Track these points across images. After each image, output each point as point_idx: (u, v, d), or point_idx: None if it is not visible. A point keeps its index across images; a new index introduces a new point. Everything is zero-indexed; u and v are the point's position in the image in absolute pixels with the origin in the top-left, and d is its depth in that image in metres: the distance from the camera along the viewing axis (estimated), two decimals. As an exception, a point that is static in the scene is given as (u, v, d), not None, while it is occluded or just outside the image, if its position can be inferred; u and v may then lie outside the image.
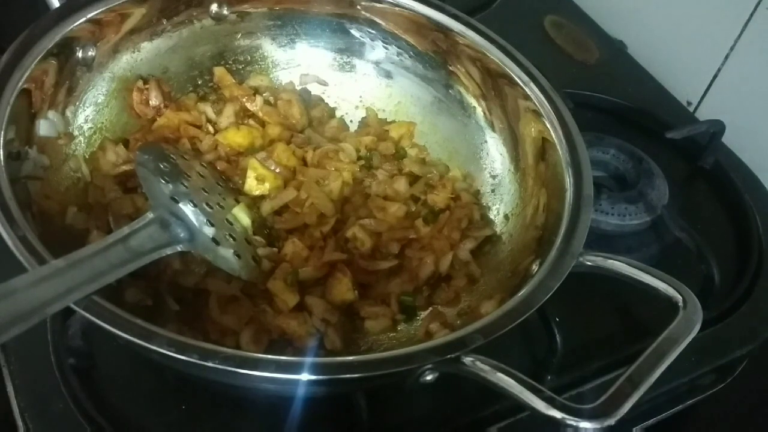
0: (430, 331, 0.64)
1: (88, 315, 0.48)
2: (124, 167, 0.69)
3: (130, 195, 0.67)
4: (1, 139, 0.56)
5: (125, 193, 0.68)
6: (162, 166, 0.64)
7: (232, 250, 0.63)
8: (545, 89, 0.70)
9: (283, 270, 0.65)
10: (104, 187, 0.67)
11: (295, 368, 0.48)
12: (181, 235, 0.59)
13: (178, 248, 0.59)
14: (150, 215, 0.58)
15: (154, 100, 0.74)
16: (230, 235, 0.64)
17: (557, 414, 0.48)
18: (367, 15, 0.79)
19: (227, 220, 0.66)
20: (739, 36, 0.90)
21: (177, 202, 0.61)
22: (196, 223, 0.62)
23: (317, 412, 0.59)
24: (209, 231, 0.62)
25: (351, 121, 0.83)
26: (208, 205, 0.64)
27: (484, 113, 0.77)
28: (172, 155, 0.67)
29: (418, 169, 0.77)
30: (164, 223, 0.58)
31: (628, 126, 0.92)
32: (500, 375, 0.50)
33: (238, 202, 0.69)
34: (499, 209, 0.74)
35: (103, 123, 0.71)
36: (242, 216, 0.67)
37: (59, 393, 0.59)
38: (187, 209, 0.62)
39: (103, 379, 0.61)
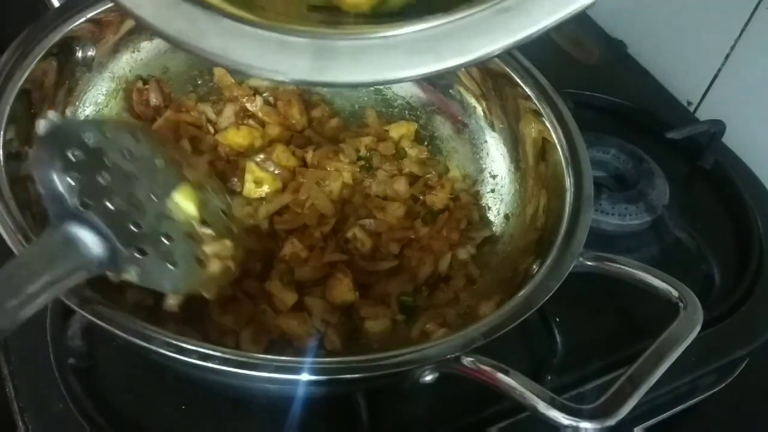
0: (429, 332, 0.64)
1: (88, 315, 0.48)
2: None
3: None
4: (1, 138, 0.57)
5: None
6: (70, 157, 0.48)
7: (165, 262, 0.50)
8: (545, 89, 0.70)
9: (278, 270, 0.65)
10: (104, 187, 0.67)
11: (295, 369, 0.48)
12: (94, 250, 0.46)
13: (85, 273, 0.46)
14: (46, 233, 0.45)
15: (154, 101, 0.74)
16: (166, 236, 0.51)
17: (557, 414, 0.48)
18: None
19: (165, 213, 0.52)
20: (740, 36, 0.90)
21: (86, 207, 0.47)
22: (111, 233, 0.47)
23: (317, 412, 0.59)
24: (130, 237, 0.48)
25: (351, 121, 0.83)
26: (132, 201, 0.50)
27: (484, 113, 0.77)
28: (87, 133, 0.50)
29: (418, 169, 0.77)
30: (66, 240, 0.45)
31: (628, 126, 0.92)
32: (500, 375, 0.50)
33: (182, 182, 0.54)
34: (499, 209, 0.74)
35: (103, 123, 0.71)
36: (185, 204, 0.53)
37: (59, 393, 0.59)
38: (98, 216, 0.47)
39: (103, 379, 0.61)
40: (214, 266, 0.54)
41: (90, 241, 0.46)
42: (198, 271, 0.53)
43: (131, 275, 0.48)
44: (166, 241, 0.51)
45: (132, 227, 0.49)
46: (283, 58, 0.41)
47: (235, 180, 0.71)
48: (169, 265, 0.50)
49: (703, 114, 0.98)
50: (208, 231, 0.54)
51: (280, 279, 0.65)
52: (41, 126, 0.58)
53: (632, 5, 1.06)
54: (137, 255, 0.48)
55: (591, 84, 0.95)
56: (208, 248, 0.54)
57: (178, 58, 0.77)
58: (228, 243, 0.55)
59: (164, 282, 0.51)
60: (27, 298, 0.41)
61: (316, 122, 0.80)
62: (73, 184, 0.46)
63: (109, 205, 0.48)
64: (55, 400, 0.59)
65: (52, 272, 0.43)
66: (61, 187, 0.46)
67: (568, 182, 0.63)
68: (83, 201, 0.47)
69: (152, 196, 0.52)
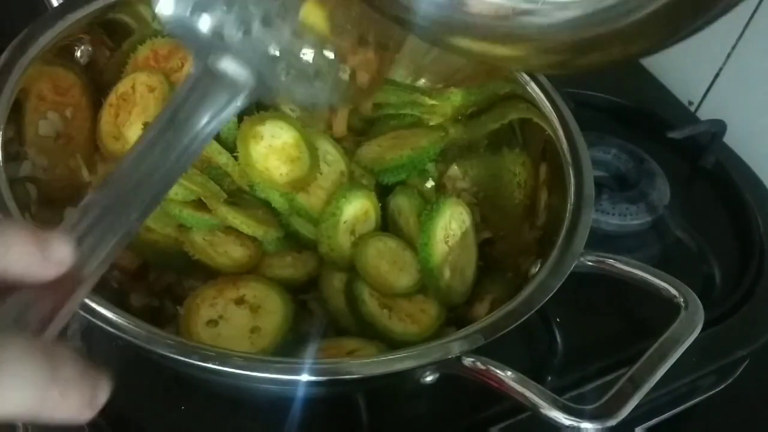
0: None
1: (88, 316, 0.48)
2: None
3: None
4: (0, 139, 0.56)
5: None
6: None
7: (311, 71, 0.49)
8: (546, 89, 0.70)
9: None
10: (103, 188, 0.67)
11: (295, 370, 0.48)
12: (241, 78, 0.44)
13: (240, 99, 0.44)
14: (193, 71, 0.43)
15: (154, 100, 0.74)
16: (304, 55, 0.50)
17: (558, 414, 0.48)
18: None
19: (295, 32, 0.49)
20: (741, 35, 0.90)
21: (222, 38, 0.46)
22: (252, 51, 0.46)
23: (317, 412, 0.59)
24: (272, 52, 0.47)
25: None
26: (265, 20, 0.48)
27: (485, 112, 0.76)
28: None
29: (418, 168, 0.76)
30: (213, 73, 0.44)
31: (629, 126, 0.91)
32: (501, 376, 0.50)
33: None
34: (500, 209, 0.74)
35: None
36: (314, 17, 0.50)
37: (59, 393, 0.59)
38: (236, 38, 0.46)
39: (103, 379, 0.61)
40: (361, 78, 0.52)
41: (236, 69, 0.45)
42: (345, 83, 0.52)
43: (284, 98, 0.49)
44: (306, 59, 0.49)
45: (270, 50, 0.47)
46: None
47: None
48: (317, 82, 0.50)
49: (704, 114, 0.97)
50: (343, 43, 0.52)
51: None
52: (40, 126, 0.61)
53: (633, 5, 1.06)
54: (283, 78, 0.48)
55: (592, 84, 0.94)
56: (350, 60, 0.52)
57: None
58: (370, 55, 0.53)
59: (317, 98, 0.50)
60: (195, 134, 0.41)
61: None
62: (205, 18, 0.45)
63: (244, 32, 0.46)
64: (54, 400, 0.58)
65: (212, 104, 0.42)
66: (195, 24, 0.45)
67: (569, 182, 0.63)
68: (218, 33, 0.45)
69: (278, 19, 0.49)
